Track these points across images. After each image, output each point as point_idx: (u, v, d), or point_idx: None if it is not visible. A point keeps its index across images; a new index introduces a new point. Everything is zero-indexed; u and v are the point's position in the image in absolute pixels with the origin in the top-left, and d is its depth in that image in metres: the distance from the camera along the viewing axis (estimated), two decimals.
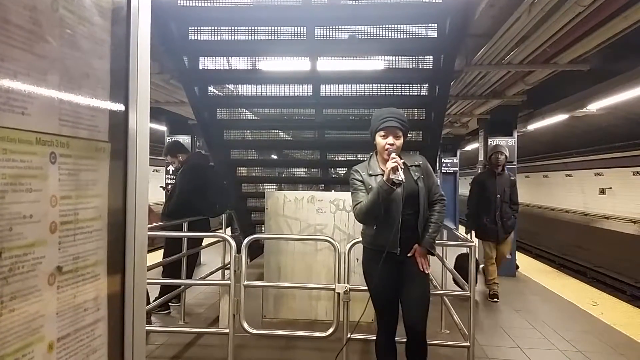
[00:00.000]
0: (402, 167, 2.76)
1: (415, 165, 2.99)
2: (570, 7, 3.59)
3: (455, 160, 15.25)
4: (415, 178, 2.95)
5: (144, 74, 1.20)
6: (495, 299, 6.16)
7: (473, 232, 6.45)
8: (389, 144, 2.88)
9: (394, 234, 2.88)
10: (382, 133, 2.92)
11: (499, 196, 6.15)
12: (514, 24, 4.10)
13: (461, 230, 9.76)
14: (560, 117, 8.24)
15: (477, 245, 4.53)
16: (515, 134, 8.33)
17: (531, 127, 9.09)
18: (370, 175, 2.98)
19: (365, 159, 3.19)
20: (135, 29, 1.17)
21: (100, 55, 1.06)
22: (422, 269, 3.00)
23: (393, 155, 2.78)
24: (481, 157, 8.62)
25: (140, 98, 1.18)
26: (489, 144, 8.34)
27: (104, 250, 1.06)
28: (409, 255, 2.97)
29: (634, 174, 11.46)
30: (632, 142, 10.53)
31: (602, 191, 13.46)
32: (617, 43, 4.51)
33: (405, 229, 2.91)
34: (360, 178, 3.02)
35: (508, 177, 6.33)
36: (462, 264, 5.66)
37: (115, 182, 1.12)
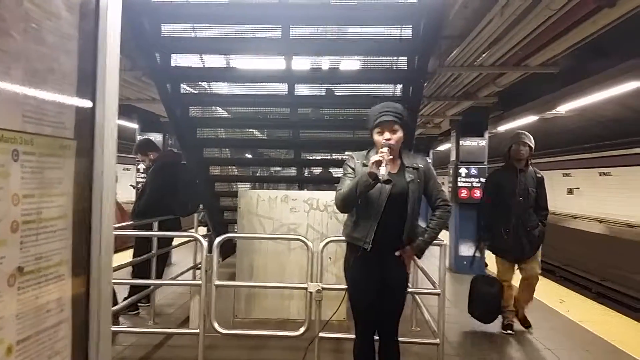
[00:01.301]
0: (388, 162, 2.62)
1: (413, 168, 2.86)
2: (541, 11, 3.67)
3: (429, 160, 15.43)
4: (408, 180, 2.81)
5: (113, 70, 1.18)
6: (510, 331, 4.93)
7: (483, 247, 5.10)
8: (385, 139, 2.75)
9: (370, 230, 2.80)
10: (378, 129, 2.81)
11: (521, 199, 4.78)
12: (486, 26, 4.16)
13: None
14: (530, 119, 8.41)
15: (446, 246, 4.43)
16: (487, 135, 8.47)
17: (502, 128, 9.25)
18: (364, 165, 2.82)
19: (340, 158, 3.12)
20: (104, 24, 1.14)
21: (67, 50, 1.03)
22: (406, 271, 2.96)
23: (383, 149, 2.66)
24: (453, 157, 8.73)
25: (108, 94, 1.16)
26: (460, 142, 8.46)
27: (68, 249, 1.04)
28: (396, 254, 2.87)
29: (600, 175, 11.77)
30: (599, 144, 10.81)
31: (570, 191, 13.77)
32: (585, 47, 4.62)
33: (385, 227, 2.81)
34: (352, 165, 2.91)
35: (533, 175, 4.90)
36: (480, 288, 4.93)
37: (81, 180, 1.09)
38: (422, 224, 3.10)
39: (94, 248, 1.14)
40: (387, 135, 2.77)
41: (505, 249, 4.84)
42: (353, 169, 2.90)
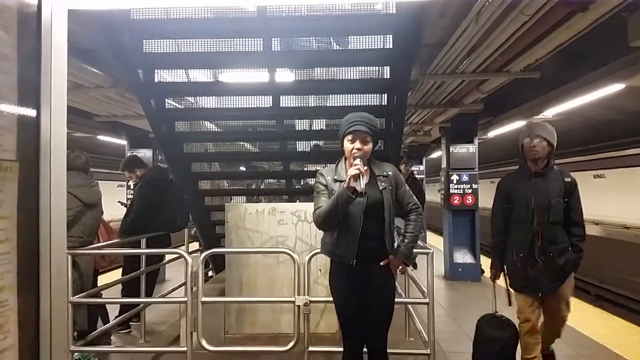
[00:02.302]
0: (364, 174, 2.64)
1: (383, 176, 2.86)
2: (516, 17, 3.66)
3: (422, 167, 15.49)
4: (381, 188, 2.81)
5: (60, 88, 1.16)
6: None
7: (496, 275, 3.76)
8: (356, 149, 2.76)
9: (352, 245, 2.78)
10: (349, 137, 2.79)
11: (537, 213, 3.46)
12: (462, 34, 4.17)
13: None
14: (518, 124, 8.40)
15: (433, 254, 3.77)
16: (476, 141, 8.49)
17: (491, 134, 9.26)
18: (336, 180, 2.83)
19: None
20: (47, 42, 1.13)
21: (5, 70, 1.01)
22: (393, 280, 2.94)
23: (357, 161, 2.64)
24: (444, 164, 8.74)
25: (55, 114, 1.14)
26: (450, 149, 8.46)
27: (13, 274, 1.01)
28: (381, 264, 2.85)
29: (594, 177, 11.79)
30: (592, 146, 10.82)
31: None
32: (565, 51, 4.62)
33: (366, 239, 2.79)
34: (324, 182, 2.88)
35: (559, 179, 3.54)
36: (486, 331, 3.61)
37: (27, 202, 1.07)
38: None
39: (44, 270, 1.11)
40: (357, 144, 2.77)
41: (521, 279, 3.55)
42: (325, 185, 2.88)
